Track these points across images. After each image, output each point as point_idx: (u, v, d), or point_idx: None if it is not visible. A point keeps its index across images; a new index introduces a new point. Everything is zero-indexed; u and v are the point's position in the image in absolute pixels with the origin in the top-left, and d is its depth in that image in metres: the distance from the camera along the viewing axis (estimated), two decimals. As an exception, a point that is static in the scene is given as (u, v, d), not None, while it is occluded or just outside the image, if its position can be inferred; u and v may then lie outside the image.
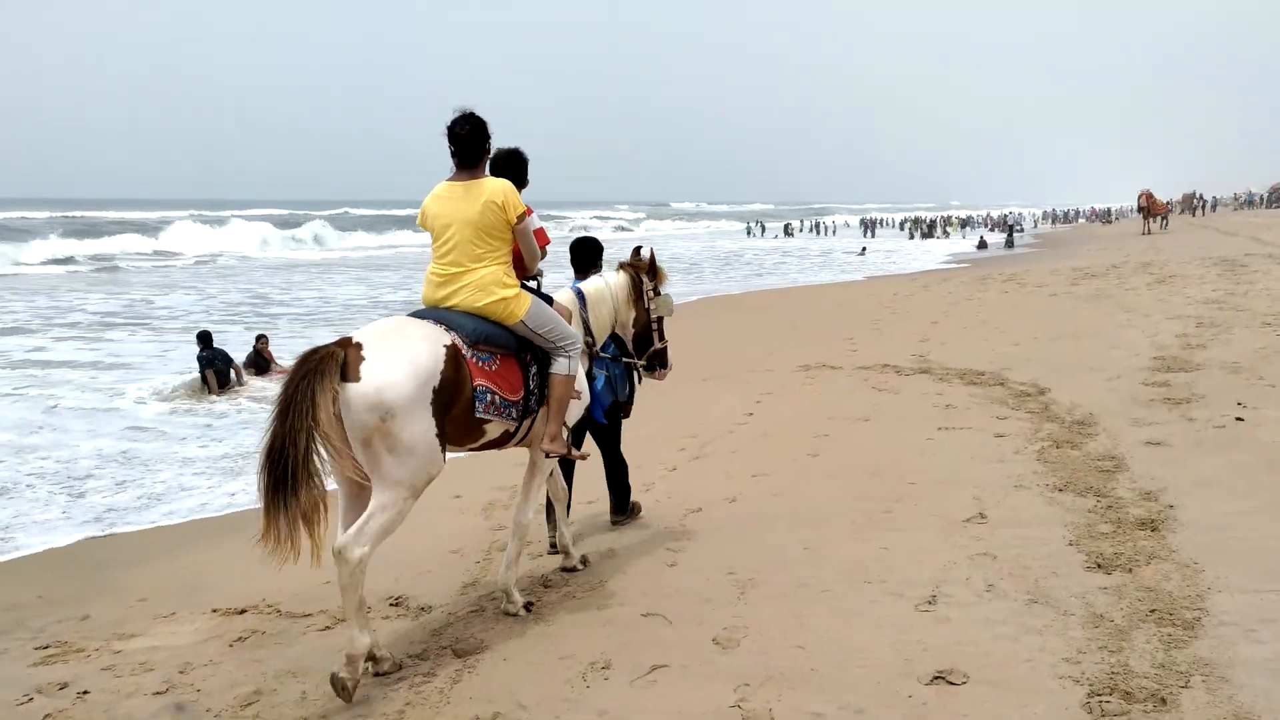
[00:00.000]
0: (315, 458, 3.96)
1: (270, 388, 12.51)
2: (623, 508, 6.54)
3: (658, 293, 6.02)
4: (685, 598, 5.10)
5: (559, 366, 4.89)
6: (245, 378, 13.07)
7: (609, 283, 5.82)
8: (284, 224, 63.38)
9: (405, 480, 4.20)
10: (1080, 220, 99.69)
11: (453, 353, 4.39)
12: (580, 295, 5.59)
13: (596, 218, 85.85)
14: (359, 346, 4.18)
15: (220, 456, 9.69)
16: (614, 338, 6.00)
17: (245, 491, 8.15)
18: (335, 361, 4.07)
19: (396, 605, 5.28)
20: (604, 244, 6.44)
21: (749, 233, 77.26)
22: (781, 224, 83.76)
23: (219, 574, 6.06)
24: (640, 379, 6.22)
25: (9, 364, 14.92)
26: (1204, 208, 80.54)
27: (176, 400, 12.09)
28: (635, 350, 6.02)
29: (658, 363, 6.05)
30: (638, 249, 6.13)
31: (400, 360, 4.18)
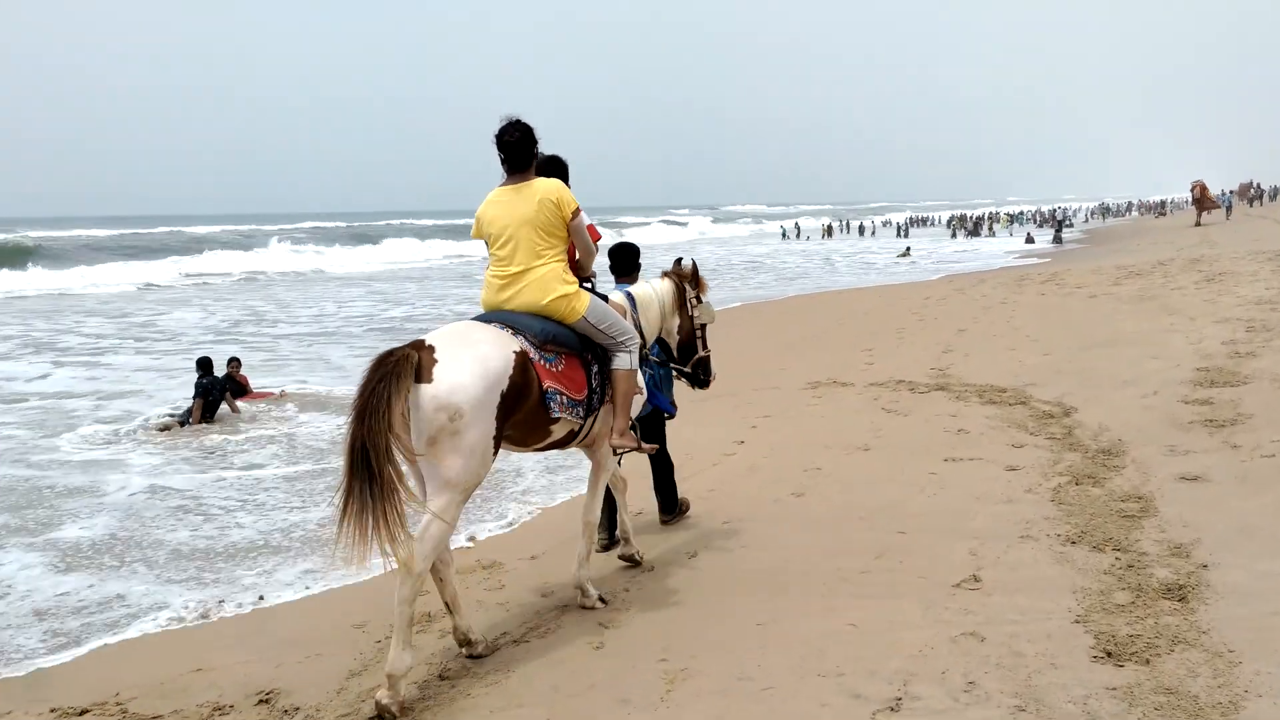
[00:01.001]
0: (395, 458, 4.05)
1: (248, 412, 11.83)
2: (670, 507, 6.67)
3: (700, 300, 6.16)
4: (599, 695, 4.21)
5: (620, 362, 5.02)
6: (238, 406, 12.36)
7: (655, 288, 5.94)
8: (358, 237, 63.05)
9: (461, 482, 4.30)
10: (1134, 214, 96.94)
11: (521, 359, 4.51)
12: (630, 298, 5.68)
13: (637, 223, 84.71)
14: (431, 349, 4.32)
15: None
16: (658, 342, 6.12)
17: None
18: (410, 364, 4.18)
19: (264, 703, 4.44)
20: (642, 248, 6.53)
21: (784, 236, 75.64)
22: (823, 225, 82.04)
23: (68, 666, 5.18)
24: (689, 385, 6.32)
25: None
26: (1262, 198, 77.89)
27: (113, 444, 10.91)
28: (680, 358, 6.16)
29: (701, 371, 6.19)
30: (679, 260, 6.26)
31: (471, 364, 4.30)
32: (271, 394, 12.88)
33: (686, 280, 6.12)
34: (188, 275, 38.86)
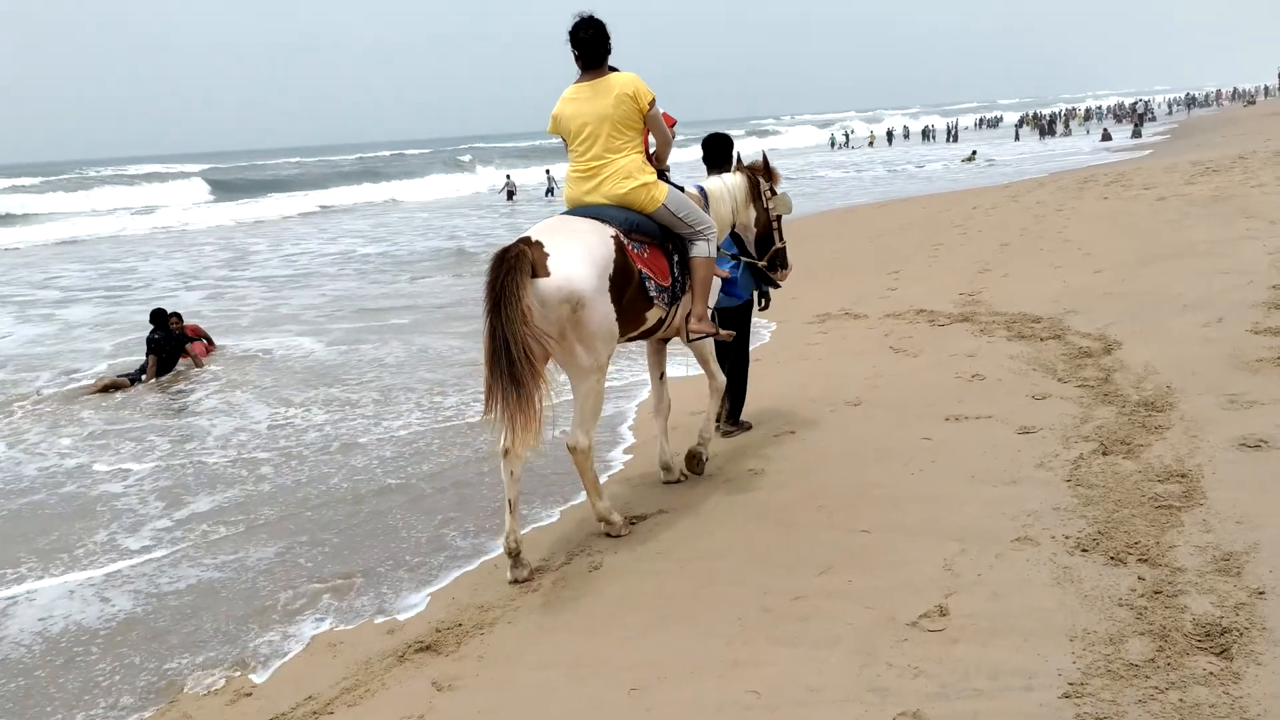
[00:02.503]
0: (532, 345, 4.22)
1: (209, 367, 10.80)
2: (736, 416, 6.61)
3: (774, 192, 6.13)
4: None
5: (699, 250, 5.13)
6: (203, 361, 11.31)
7: (728, 183, 5.92)
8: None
9: (595, 365, 4.58)
10: (1223, 103, 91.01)
11: (619, 242, 4.71)
12: (703, 191, 5.66)
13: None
14: (540, 245, 4.47)
15: None
16: (734, 238, 6.12)
17: None
18: (526, 259, 4.32)
19: None
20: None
21: (833, 144, 72.04)
22: (884, 131, 78.09)
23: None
24: (762, 289, 6.49)
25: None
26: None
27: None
28: (757, 251, 6.15)
29: (778, 263, 6.20)
30: (739, 156, 6.29)
31: (581, 252, 4.49)
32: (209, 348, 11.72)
33: (759, 173, 6.11)
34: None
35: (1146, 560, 3.91)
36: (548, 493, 5.96)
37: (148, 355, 10.96)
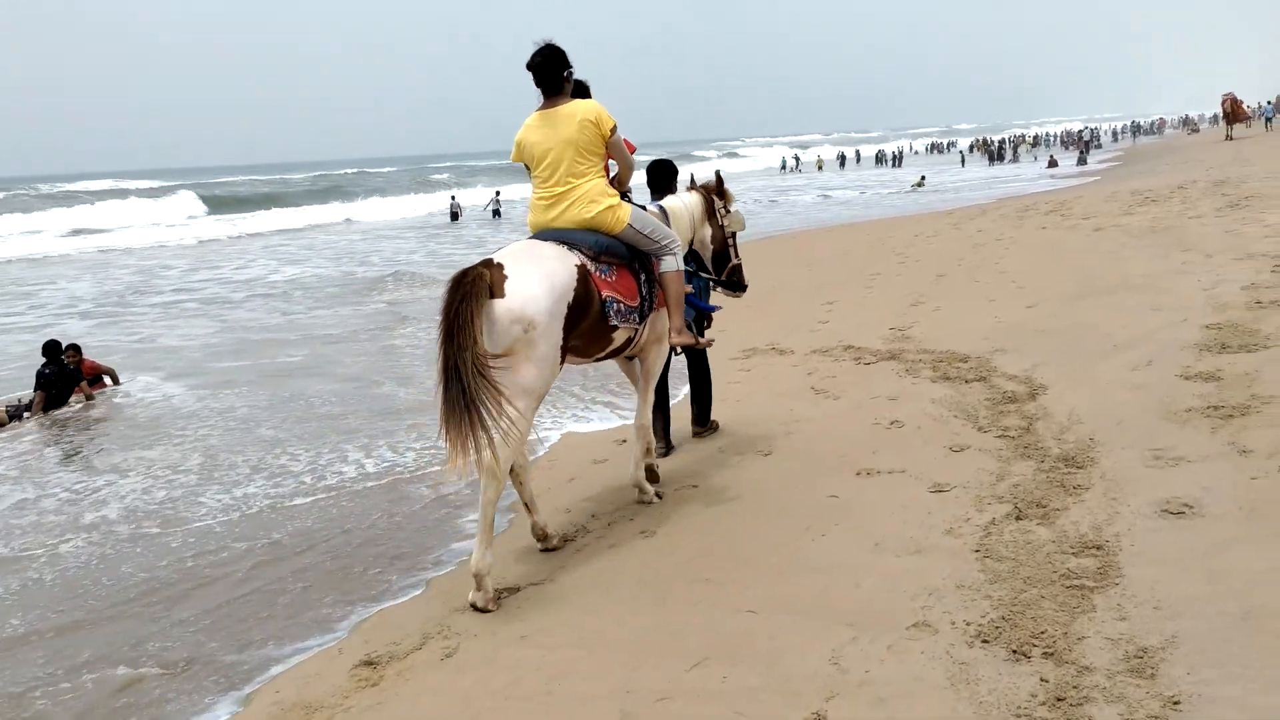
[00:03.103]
0: (484, 372, 4.25)
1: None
2: (704, 419, 6.90)
3: (728, 211, 6.32)
4: None
5: (668, 264, 5.22)
6: (93, 394, 10.59)
7: (685, 201, 6.09)
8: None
9: (535, 389, 4.57)
10: (1167, 131, 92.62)
11: (582, 271, 4.75)
12: (662, 210, 5.81)
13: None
14: (501, 267, 4.54)
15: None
16: (693, 255, 6.29)
17: None
18: (484, 282, 4.40)
19: None
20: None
21: (784, 167, 72.02)
22: (832, 156, 78.26)
23: None
24: (725, 291, 6.55)
25: None
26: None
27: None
28: (714, 268, 6.34)
29: (735, 279, 6.38)
30: (692, 176, 6.63)
31: (540, 278, 4.53)
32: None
33: (713, 191, 6.29)
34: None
35: (1052, 654, 3.47)
36: (418, 556, 5.43)
37: (35, 389, 10.29)
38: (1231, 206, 15.36)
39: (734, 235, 6.34)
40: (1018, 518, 4.74)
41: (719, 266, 6.32)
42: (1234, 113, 44.17)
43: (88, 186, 64.70)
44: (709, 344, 5.93)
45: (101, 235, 36.91)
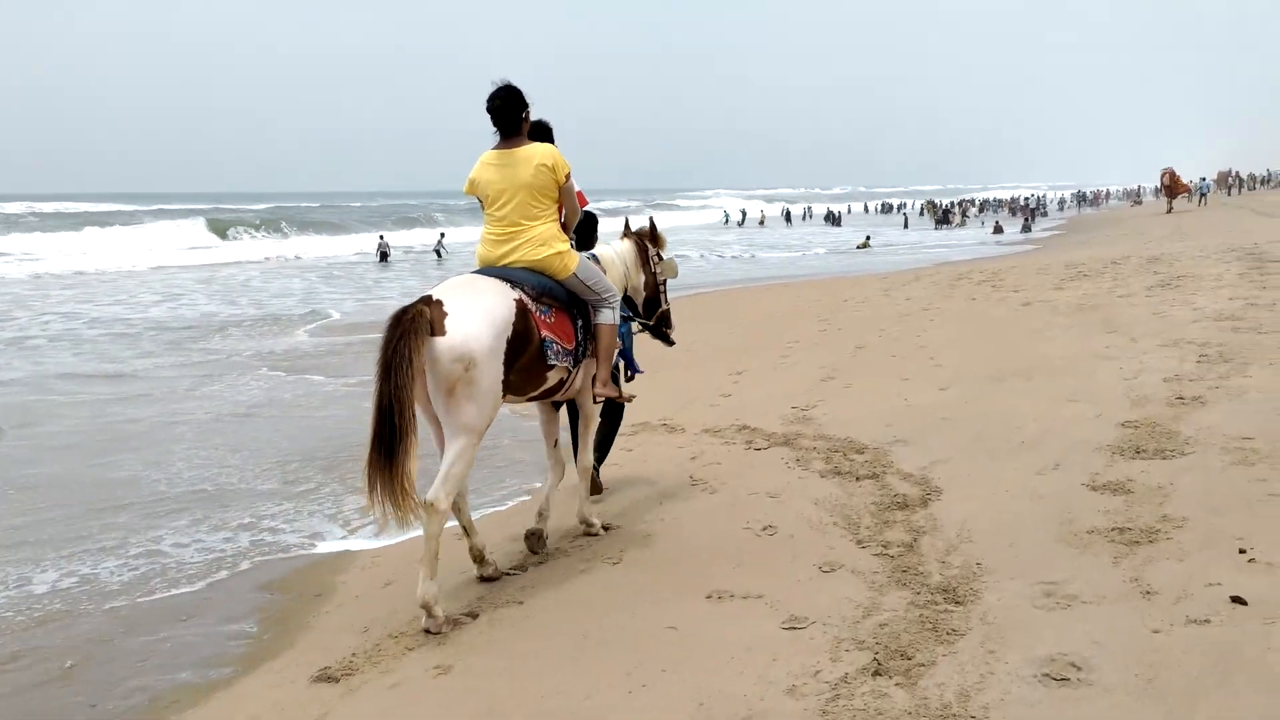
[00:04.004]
0: (416, 414, 4.28)
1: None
2: (600, 459, 6.78)
3: (661, 258, 6.40)
4: None
5: (604, 317, 5.35)
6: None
7: (617, 250, 6.17)
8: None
9: (477, 425, 4.58)
10: (1112, 201, 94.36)
11: (521, 307, 4.78)
12: (595, 259, 5.79)
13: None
14: (440, 303, 4.52)
15: None
16: (626, 301, 6.23)
17: None
18: (424, 319, 4.37)
19: None
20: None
21: (726, 221, 71.63)
22: (779, 211, 78.36)
23: None
24: (656, 338, 6.67)
25: None
26: (1240, 186, 76.05)
27: None
28: (645, 313, 6.40)
29: (664, 324, 6.52)
30: (627, 221, 6.54)
31: (480, 313, 4.54)
32: None
33: (646, 238, 6.36)
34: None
35: None
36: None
37: None
38: (1163, 285, 14.94)
39: (665, 281, 6.46)
40: (875, 673, 3.92)
41: (649, 312, 6.43)
42: (1173, 186, 44.82)
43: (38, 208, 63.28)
44: (630, 399, 6.04)
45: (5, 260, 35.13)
